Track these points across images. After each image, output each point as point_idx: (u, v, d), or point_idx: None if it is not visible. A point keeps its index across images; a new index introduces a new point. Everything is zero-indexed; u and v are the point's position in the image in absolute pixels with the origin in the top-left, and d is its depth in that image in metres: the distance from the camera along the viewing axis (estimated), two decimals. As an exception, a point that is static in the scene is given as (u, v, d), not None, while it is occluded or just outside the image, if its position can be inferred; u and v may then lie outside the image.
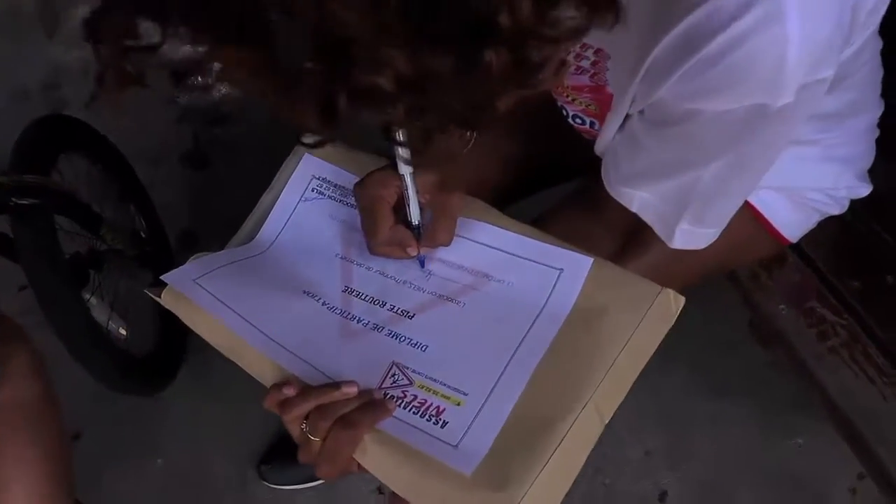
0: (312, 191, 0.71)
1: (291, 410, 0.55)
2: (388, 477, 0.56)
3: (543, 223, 0.75)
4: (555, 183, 0.89)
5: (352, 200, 0.67)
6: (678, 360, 1.35)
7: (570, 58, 0.63)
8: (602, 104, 0.66)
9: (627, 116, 0.60)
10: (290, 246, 0.69)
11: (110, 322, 1.24)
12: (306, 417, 0.55)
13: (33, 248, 1.06)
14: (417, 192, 0.62)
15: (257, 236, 0.70)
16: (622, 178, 0.64)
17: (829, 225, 0.79)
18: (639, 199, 0.64)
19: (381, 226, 0.63)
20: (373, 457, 0.56)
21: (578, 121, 0.71)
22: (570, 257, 0.62)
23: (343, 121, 0.33)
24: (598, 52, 0.60)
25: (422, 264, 0.65)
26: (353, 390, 0.55)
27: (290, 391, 0.56)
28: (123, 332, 1.27)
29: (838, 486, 1.29)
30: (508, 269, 0.63)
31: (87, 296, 1.20)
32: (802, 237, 0.78)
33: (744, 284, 1.02)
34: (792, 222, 0.76)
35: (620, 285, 0.60)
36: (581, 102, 0.68)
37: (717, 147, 0.54)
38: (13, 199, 1.03)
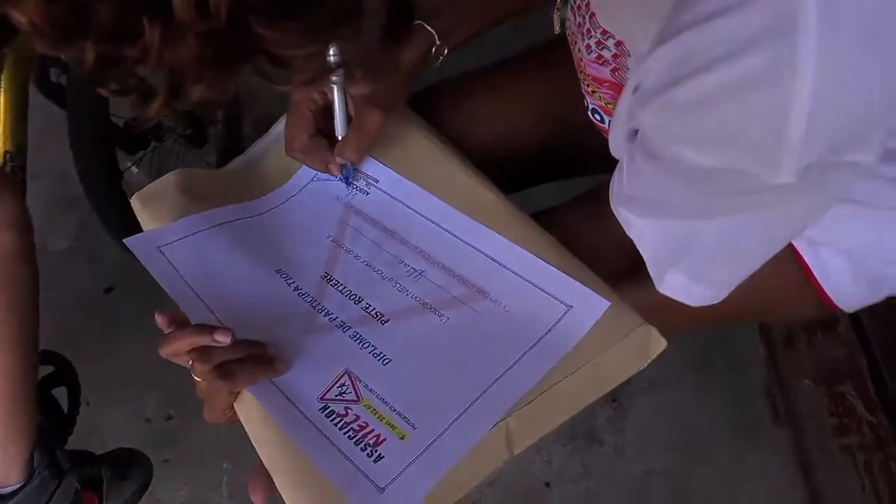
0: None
1: (168, 344, 0.53)
2: (258, 440, 0.52)
3: (544, 221, 0.64)
4: (575, 174, 0.77)
5: (365, 187, 0.64)
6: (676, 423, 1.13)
7: (592, 43, 0.50)
8: (621, 105, 0.53)
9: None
10: (286, 219, 0.66)
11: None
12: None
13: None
14: (347, 104, 0.59)
15: (261, 198, 0.67)
16: (621, 198, 0.52)
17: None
18: (636, 226, 0.52)
19: (297, 130, 0.61)
20: (249, 413, 0.52)
21: (597, 116, 0.59)
22: (585, 295, 0.53)
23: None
24: (619, 44, 0.47)
25: (346, 181, 0.63)
26: (225, 339, 0.51)
27: (161, 320, 0.54)
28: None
29: None
30: (509, 291, 0.55)
31: (129, 164, 1.20)
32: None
33: (775, 343, 0.88)
34: (850, 293, 0.61)
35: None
36: (601, 97, 0.56)
37: (710, 206, 0.43)
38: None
